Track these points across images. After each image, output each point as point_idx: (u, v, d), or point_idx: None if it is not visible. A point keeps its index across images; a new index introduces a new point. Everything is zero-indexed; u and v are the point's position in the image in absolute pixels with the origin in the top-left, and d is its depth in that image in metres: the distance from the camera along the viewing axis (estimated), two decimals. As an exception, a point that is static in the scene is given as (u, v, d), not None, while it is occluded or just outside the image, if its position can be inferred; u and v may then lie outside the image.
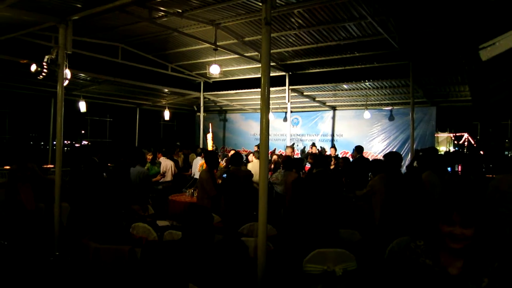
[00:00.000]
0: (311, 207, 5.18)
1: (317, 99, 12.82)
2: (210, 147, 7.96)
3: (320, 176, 5.57)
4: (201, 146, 12.60)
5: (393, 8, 6.51)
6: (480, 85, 6.31)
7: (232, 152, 8.78)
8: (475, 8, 5.47)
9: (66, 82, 5.53)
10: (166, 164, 8.62)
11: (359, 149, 9.57)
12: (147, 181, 6.51)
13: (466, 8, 5.68)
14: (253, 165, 8.23)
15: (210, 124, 8.89)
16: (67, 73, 5.60)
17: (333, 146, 12.89)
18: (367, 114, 12.46)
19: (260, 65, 8.72)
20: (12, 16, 5.67)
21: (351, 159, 10.06)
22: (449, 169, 10.28)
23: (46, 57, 5.32)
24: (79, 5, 5.51)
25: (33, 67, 5.46)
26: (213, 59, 9.13)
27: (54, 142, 11.52)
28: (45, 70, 5.35)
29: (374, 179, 6.29)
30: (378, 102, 12.53)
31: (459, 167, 8.28)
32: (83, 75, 9.92)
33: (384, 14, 6.62)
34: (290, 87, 10.82)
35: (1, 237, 5.92)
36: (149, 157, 8.30)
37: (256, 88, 11.49)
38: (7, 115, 13.96)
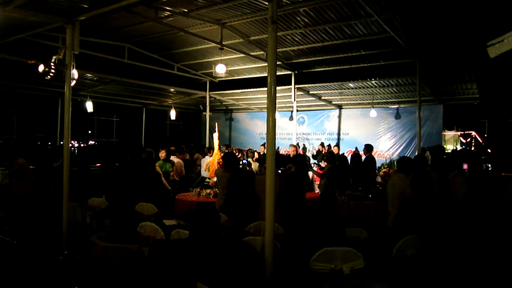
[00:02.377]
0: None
1: (323, 97, 12.79)
2: (216, 146, 7.97)
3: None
4: (207, 145, 12.65)
5: (399, 5, 6.48)
6: (488, 82, 6.25)
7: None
8: (483, 5, 5.42)
9: (73, 82, 5.56)
10: (177, 163, 8.70)
11: (368, 148, 9.54)
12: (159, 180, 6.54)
13: (474, 4, 5.63)
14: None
15: (216, 123, 8.88)
16: (74, 73, 5.63)
17: (337, 144, 12.87)
18: (373, 112, 12.41)
19: (266, 64, 8.69)
20: (20, 17, 5.71)
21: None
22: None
23: (54, 57, 5.35)
24: (86, 6, 5.54)
25: (41, 68, 5.49)
26: (219, 58, 9.13)
27: (62, 142, 11.60)
28: (52, 71, 5.37)
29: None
30: (385, 100, 12.48)
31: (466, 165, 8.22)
32: (90, 75, 9.98)
33: (391, 12, 6.59)
34: (296, 86, 10.81)
35: (11, 236, 5.98)
36: (163, 154, 8.40)
37: (262, 87, 11.50)
38: (15, 115, 14.07)
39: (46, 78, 5.43)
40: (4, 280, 4.56)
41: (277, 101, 3.66)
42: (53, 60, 5.35)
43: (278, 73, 3.52)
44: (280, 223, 5.22)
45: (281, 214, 5.34)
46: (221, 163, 7.55)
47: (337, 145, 12.85)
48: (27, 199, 7.29)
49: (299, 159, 6.81)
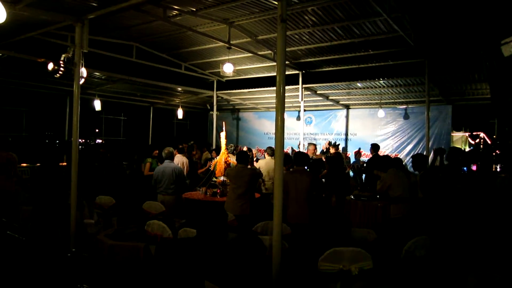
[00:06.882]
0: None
1: (330, 97, 12.74)
2: (223, 146, 7.96)
3: None
4: (214, 145, 12.66)
5: (409, 4, 6.42)
6: (500, 82, 6.15)
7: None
8: (497, 2, 5.33)
9: (82, 81, 5.60)
10: (181, 161, 8.68)
11: (375, 147, 9.50)
12: (182, 177, 6.52)
13: (487, 2, 5.54)
14: (265, 163, 8.31)
15: (223, 122, 8.87)
16: (83, 71, 5.67)
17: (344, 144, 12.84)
18: (381, 112, 12.33)
19: (273, 64, 8.67)
20: (30, 15, 5.75)
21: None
22: (464, 168, 10.10)
23: (63, 55, 5.38)
24: (95, 4, 5.58)
25: (50, 66, 5.53)
26: (227, 57, 9.12)
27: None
28: (61, 69, 5.41)
29: (385, 174, 6.24)
30: (393, 100, 12.39)
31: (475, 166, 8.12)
32: (98, 73, 10.03)
33: (400, 10, 6.53)
34: (304, 85, 10.76)
35: (19, 233, 6.02)
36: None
37: (269, 86, 11.48)
38: (24, 113, 14.20)
39: (56, 76, 5.46)
40: (12, 276, 4.59)
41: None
42: (62, 59, 5.38)
43: (286, 73, 3.50)
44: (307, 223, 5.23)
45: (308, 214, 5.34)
46: (228, 162, 7.55)
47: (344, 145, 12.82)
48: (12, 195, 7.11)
49: (333, 161, 6.88)
